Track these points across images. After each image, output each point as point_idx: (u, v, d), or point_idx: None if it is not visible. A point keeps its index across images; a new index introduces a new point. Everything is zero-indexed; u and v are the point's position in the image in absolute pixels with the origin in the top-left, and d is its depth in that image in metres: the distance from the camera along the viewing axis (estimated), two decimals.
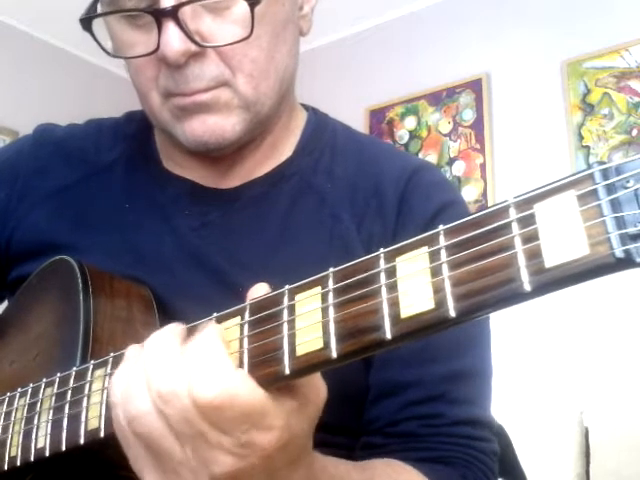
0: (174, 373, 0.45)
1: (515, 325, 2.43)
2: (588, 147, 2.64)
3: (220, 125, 0.69)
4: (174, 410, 0.44)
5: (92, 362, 0.57)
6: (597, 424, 2.26)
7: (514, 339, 2.52)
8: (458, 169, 2.95)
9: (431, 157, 3.02)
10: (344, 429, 0.71)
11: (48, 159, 0.83)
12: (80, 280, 0.67)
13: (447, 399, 0.69)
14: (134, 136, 0.84)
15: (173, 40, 0.63)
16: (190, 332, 0.48)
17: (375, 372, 0.71)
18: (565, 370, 2.51)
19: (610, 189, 0.33)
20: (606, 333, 2.46)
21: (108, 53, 0.70)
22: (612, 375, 2.42)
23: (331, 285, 0.43)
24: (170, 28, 0.63)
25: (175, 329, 0.48)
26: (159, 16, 0.63)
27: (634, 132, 2.57)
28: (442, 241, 0.38)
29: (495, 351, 0.75)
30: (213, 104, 0.68)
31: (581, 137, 2.67)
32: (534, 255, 0.34)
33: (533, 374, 2.54)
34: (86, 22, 0.67)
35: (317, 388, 0.48)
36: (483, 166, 2.89)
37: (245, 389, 0.44)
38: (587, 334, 2.50)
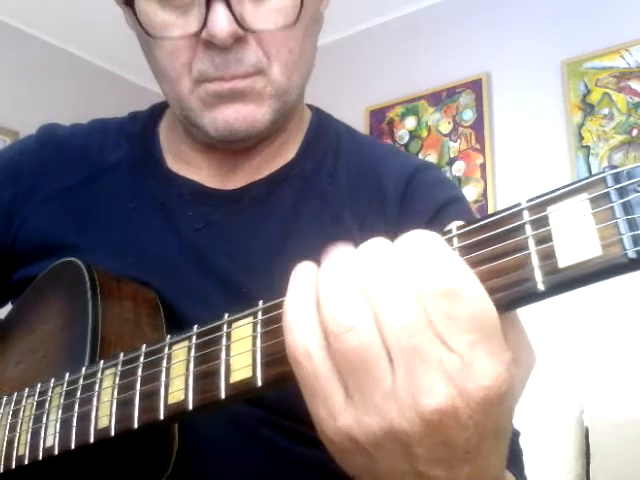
0: (396, 272, 0.38)
1: None
2: (588, 147, 2.65)
3: (252, 114, 0.69)
4: (397, 313, 0.37)
5: (102, 361, 0.57)
6: (597, 424, 2.27)
7: None
8: (458, 169, 2.96)
9: (431, 157, 3.03)
10: None
11: (51, 159, 0.82)
12: (88, 282, 0.67)
13: None
14: (138, 136, 0.83)
15: (222, 20, 0.63)
16: None
17: None
18: (565, 369, 2.52)
19: (622, 192, 0.34)
20: (606, 332, 2.47)
21: (147, 33, 0.68)
22: (612, 374, 2.43)
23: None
24: (220, 8, 0.63)
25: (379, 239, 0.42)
26: None
27: (634, 132, 2.58)
28: (455, 242, 0.39)
29: None
30: (248, 92, 0.68)
31: (581, 137, 2.68)
32: (547, 256, 0.35)
33: (533, 373, 2.54)
34: None
35: (527, 349, 0.42)
36: (483, 166, 2.90)
37: (481, 287, 0.37)
38: (587, 333, 2.51)
